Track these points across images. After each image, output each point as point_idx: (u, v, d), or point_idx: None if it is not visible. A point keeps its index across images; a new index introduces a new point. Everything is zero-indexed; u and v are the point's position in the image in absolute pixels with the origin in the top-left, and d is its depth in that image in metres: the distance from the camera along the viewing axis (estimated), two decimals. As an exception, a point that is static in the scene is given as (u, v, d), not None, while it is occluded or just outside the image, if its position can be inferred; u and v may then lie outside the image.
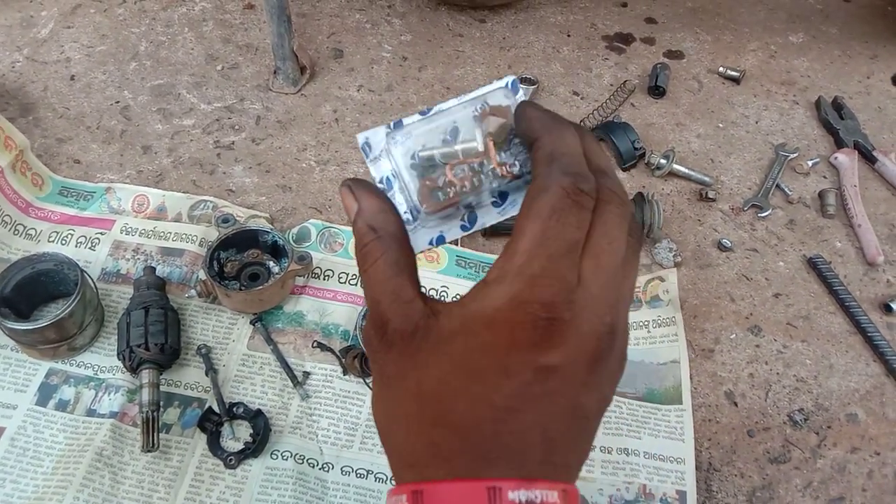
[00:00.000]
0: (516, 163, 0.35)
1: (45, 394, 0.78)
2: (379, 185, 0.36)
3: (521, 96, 0.37)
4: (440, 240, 0.37)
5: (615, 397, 0.79)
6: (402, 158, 0.36)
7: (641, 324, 0.86)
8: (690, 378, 0.83)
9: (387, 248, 0.34)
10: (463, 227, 0.37)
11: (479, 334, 0.31)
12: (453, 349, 0.31)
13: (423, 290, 0.35)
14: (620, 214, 0.33)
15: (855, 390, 0.84)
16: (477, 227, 0.36)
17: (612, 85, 1.16)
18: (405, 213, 0.36)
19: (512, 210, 0.36)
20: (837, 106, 1.14)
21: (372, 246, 0.34)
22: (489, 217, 0.36)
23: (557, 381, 0.31)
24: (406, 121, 0.36)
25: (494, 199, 0.36)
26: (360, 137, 0.36)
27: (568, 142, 0.33)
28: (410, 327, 0.32)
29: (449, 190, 0.35)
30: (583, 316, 0.30)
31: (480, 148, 0.35)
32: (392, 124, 0.36)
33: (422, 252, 0.36)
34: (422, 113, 0.37)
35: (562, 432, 0.32)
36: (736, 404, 0.82)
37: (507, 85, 0.37)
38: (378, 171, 0.36)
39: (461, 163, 0.35)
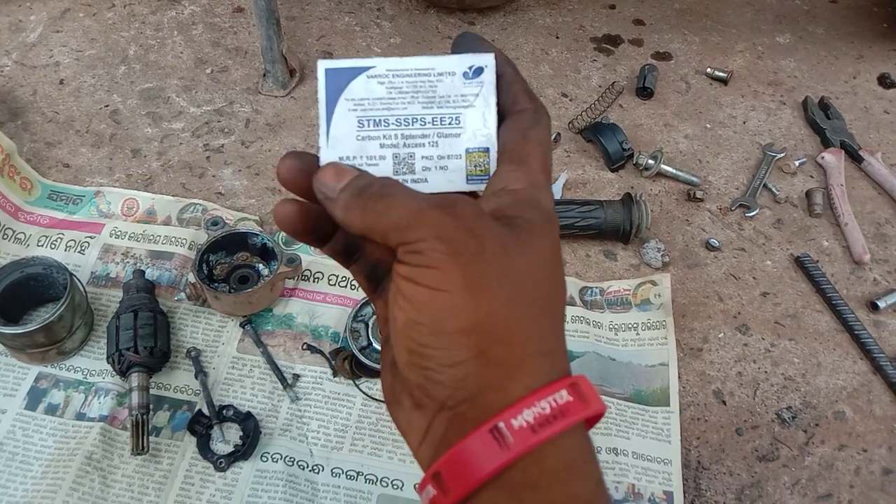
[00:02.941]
0: None
1: (35, 398, 0.78)
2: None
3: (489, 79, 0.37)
4: None
5: (604, 398, 0.80)
6: None
7: (630, 325, 0.86)
8: (679, 377, 0.83)
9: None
10: None
11: (552, 230, 0.34)
12: (545, 237, 0.33)
13: None
14: None
15: (842, 388, 0.85)
16: None
17: (600, 86, 1.16)
18: None
19: None
20: (824, 106, 1.14)
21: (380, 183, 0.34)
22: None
23: None
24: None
25: None
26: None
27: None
28: (500, 215, 0.33)
29: None
30: None
31: None
32: None
33: None
34: None
35: None
36: (724, 403, 0.83)
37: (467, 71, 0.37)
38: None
39: None
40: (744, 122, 1.13)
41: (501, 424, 0.30)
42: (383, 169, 0.37)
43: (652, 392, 0.81)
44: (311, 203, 0.36)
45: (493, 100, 0.36)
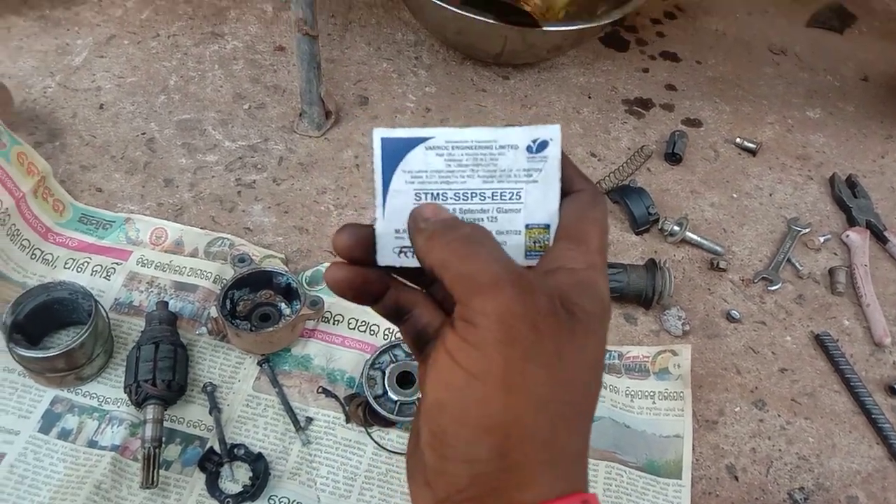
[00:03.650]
0: None
1: (49, 421, 0.78)
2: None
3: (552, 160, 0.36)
4: None
5: (616, 465, 0.79)
6: None
7: (647, 394, 0.86)
8: (692, 449, 0.83)
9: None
10: None
11: (605, 327, 0.33)
12: (598, 337, 0.32)
13: None
14: None
15: (857, 472, 0.84)
16: None
17: (629, 148, 1.17)
18: None
19: None
20: (851, 184, 1.15)
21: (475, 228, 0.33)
22: None
23: None
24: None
25: None
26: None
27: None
28: (562, 301, 0.31)
29: None
30: None
31: None
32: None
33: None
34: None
35: None
36: (736, 479, 0.82)
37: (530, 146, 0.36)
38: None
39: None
40: (770, 195, 1.14)
41: None
42: None
43: (665, 463, 0.81)
44: (361, 268, 0.36)
45: (557, 175, 0.36)
